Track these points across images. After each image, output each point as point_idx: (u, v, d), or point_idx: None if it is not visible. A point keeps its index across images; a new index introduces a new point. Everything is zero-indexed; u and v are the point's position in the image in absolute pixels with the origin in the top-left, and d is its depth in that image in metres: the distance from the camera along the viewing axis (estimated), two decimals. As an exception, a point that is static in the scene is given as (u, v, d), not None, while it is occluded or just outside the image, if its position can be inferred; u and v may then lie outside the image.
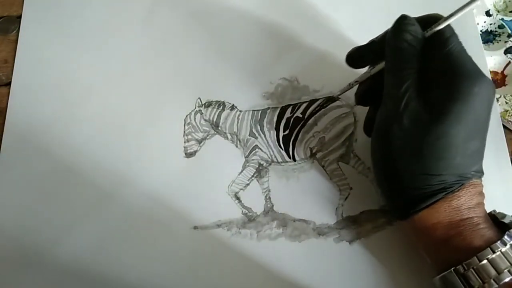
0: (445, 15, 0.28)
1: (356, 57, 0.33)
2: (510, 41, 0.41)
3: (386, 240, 0.34)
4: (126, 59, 0.40)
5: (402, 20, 0.29)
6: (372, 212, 0.35)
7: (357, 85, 0.34)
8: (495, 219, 0.29)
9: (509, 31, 0.41)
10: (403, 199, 0.29)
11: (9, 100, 0.39)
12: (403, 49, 0.28)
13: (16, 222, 0.35)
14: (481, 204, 0.29)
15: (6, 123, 0.38)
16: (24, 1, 0.43)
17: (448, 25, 0.28)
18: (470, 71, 0.27)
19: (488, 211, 0.29)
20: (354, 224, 0.35)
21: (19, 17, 0.42)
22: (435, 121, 0.27)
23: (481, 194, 0.29)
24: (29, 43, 0.41)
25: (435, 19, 0.29)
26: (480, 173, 0.29)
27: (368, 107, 0.35)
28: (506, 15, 0.42)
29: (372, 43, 0.32)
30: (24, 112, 0.39)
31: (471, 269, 0.26)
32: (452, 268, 0.27)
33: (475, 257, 0.26)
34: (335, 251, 0.34)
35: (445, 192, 0.28)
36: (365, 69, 0.33)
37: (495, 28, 0.42)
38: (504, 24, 0.42)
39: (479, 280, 0.26)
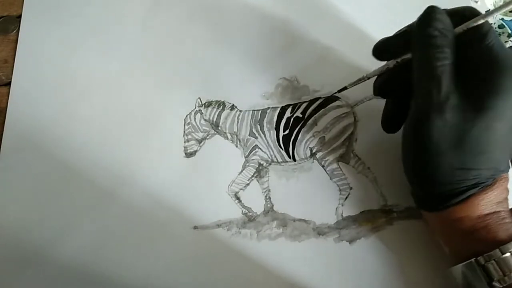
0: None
1: (383, 49, 0.32)
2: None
3: (386, 240, 0.34)
4: (126, 59, 0.40)
5: (431, 10, 0.28)
6: (372, 212, 0.35)
7: (368, 79, 0.34)
8: None
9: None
10: (436, 192, 0.29)
11: (9, 100, 0.39)
12: (435, 36, 0.27)
13: (16, 222, 0.35)
14: (507, 199, 0.29)
15: (6, 123, 0.38)
16: (24, 1, 0.43)
17: (488, 22, 0.28)
18: None
19: None
20: (354, 224, 0.35)
21: (19, 17, 0.42)
22: (479, 115, 0.26)
23: (507, 189, 0.29)
24: (29, 43, 0.41)
25: (469, 12, 0.28)
26: (509, 166, 0.29)
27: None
28: (506, 15, 0.42)
29: (398, 35, 0.31)
30: (24, 112, 0.39)
31: (493, 261, 0.27)
32: (473, 259, 0.27)
33: (498, 250, 0.27)
34: (335, 251, 0.34)
35: (479, 187, 0.28)
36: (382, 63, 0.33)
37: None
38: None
39: (500, 272, 0.26)
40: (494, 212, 0.28)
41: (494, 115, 0.26)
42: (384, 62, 0.33)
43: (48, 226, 0.35)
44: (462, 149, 0.27)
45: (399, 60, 0.31)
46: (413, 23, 0.29)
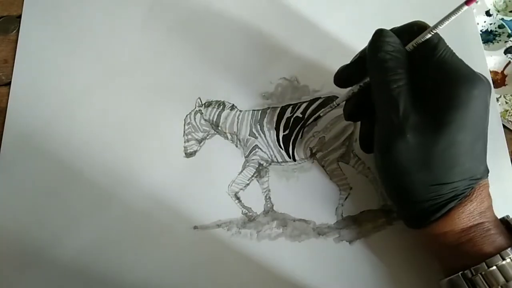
0: (442, 14, 0.28)
1: (343, 78, 0.32)
2: (510, 41, 0.41)
3: (386, 240, 0.34)
4: (126, 59, 0.40)
5: (379, 33, 0.28)
6: (372, 212, 0.35)
7: (337, 106, 0.34)
8: (507, 224, 0.29)
9: (509, 31, 0.41)
10: (416, 211, 0.29)
11: (9, 100, 0.39)
12: (386, 60, 0.27)
13: (16, 222, 0.35)
14: (490, 207, 0.29)
15: (6, 123, 0.38)
16: (24, 1, 0.43)
17: (437, 34, 0.28)
18: (466, 75, 0.27)
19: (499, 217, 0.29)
20: (354, 224, 0.35)
21: (19, 17, 0.42)
22: (441, 131, 0.26)
23: (489, 196, 0.29)
24: (29, 43, 0.41)
25: (417, 27, 0.28)
26: (486, 171, 0.29)
27: (359, 123, 0.34)
28: (506, 15, 0.42)
29: (354, 62, 0.32)
30: (24, 112, 0.39)
31: (479, 275, 0.26)
32: (460, 273, 0.27)
33: (484, 263, 0.26)
34: (335, 251, 0.34)
35: (457, 199, 0.27)
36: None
37: (495, 28, 0.42)
38: (504, 24, 0.42)
39: (487, 286, 0.26)
40: (478, 224, 0.28)
41: (455, 128, 0.26)
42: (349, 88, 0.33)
43: (48, 226, 0.35)
44: (432, 167, 0.27)
45: (361, 84, 0.31)
46: (366, 47, 0.30)
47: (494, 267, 0.26)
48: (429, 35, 0.27)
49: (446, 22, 0.27)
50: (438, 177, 0.27)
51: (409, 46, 0.28)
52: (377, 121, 0.29)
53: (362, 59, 0.31)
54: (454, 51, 0.28)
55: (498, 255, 0.26)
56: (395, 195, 0.30)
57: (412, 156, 0.27)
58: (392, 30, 0.29)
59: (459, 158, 0.27)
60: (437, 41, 0.28)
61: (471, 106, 0.26)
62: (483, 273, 0.26)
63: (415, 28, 0.28)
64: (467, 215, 0.28)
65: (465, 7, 0.26)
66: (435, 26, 0.27)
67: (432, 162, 0.27)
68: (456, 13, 0.26)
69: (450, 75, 0.27)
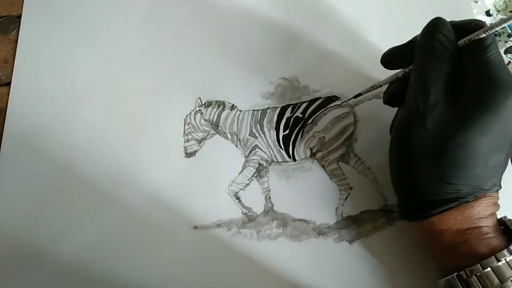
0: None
1: (390, 58, 0.32)
2: (510, 41, 0.41)
3: (386, 240, 0.34)
4: (126, 59, 0.40)
5: (436, 22, 0.28)
6: (372, 212, 0.35)
7: (379, 87, 0.34)
8: (505, 225, 0.29)
9: (509, 31, 0.41)
10: (416, 201, 0.29)
11: (9, 100, 0.39)
12: (434, 48, 0.27)
13: (16, 222, 0.35)
14: (493, 214, 0.29)
15: (6, 123, 0.38)
16: (24, 1, 0.43)
17: (491, 34, 0.27)
18: (507, 83, 0.26)
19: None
20: (354, 224, 0.35)
21: (19, 17, 0.42)
22: (461, 128, 0.26)
23: (496, 205, 0.29)
24: (29, 43, 0.41)
25: (474, 25, 0.28)
26: (498, 186, 0.28)
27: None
28: (506, 15, 0.42)
29: (407, 44, 0.31)
30: (24, 112, 0.39)
31: (474, 276, 0.26)
32: (455, 274, 0.27)
33: (479, 265, 0.26)
34: (335, 251, 0.34)
35: (458, 202, 0.27)
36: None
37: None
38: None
39: (481, 287, 0.26)
40: (475, 227, 0.28)
41: (476, 129, 0.26)
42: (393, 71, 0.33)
43: (48, 226, 0.35)
44: (441, 161, 0.27)
45: (406, 70, 0.31)
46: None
47: (489, 269, 0.26)
48: (484, 35, 0.27)
49: (504, 24, 0.27)
50: (444, 174, 0.27)
51: (461, 42, 0.28)
52: (405, 102, 0.29)
53: (413, 44, 0.30)
54: None
55: (493, 256, 0.26)
56: (401, 181, 0.30)
57: (427, 145, 0.27)
58: (453, 22, 0.29)
59: (470, 161, 0.27)
60: (491, 42, 0.27)
61: (499, 114, 0.26)
62: (478, 274, 0.26)
63: (472, 26, 0.28)
64: (465, 218, 0.28)
65: None
66: (492, 27, 0.27)
67: (442, 157, 0.27)
68: None
69: (491, 77, 0.26)
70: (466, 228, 0.28)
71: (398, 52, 0.32)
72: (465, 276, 0.27)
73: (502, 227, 0.29)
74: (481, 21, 0.28)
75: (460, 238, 0.28)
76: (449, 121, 0.27)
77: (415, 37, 0.30)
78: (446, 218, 0.28)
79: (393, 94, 0.33)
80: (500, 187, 0.29)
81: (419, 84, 0.28)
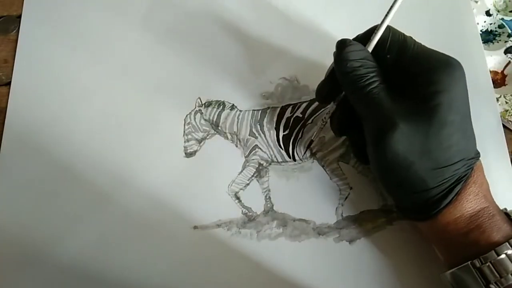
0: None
1: (324, 94, 0.33)
2: (510, 41, 0.41)
3: (386, 240, 0.34)
4: (126, 58, 0.40)
5: (341, 44, 0.29)
6: (372, 212, 0.35)
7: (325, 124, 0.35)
8: (508, 215, 0.29)
9: (509, 31, 0.41)
10: (424, 200, 0.29)
11: (9, 100, 0.39)
12: (356, 68, 0.29)
13: (16, 222, 0.35)
14: (489, 190, 0.30)
15: (6, 123, 0.38)
16: (24, 1, 0.43)
17: (394, 31, 0.29)
18: (444, 61, 0.28)
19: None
20: (354, 224, 0.35)
21: (19, 16, 0.42)
22: (431, 115, 0.27)
23: (485, 178, 0.30)
24: (29, 43, 0.41)
25: (376, 29, 0.30)
26: (478, 152, 0.30)
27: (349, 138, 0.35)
28: (506, 15, 0.42)
29: (327, 77, 0.32)
30: (24, 112, 0.39)
31: (489, 263, 0.27)
32: (469, 261, 0.27)
33: (493, 251, 0.27)
34: (335, 251, 0.34)
35: (462, 181, 0.28)
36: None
37: (495, 28, 0.42)
38: (504, 24, 0.42)
39: (496, 274, 0.26)
40: (484, 208, 0.28)
41: (444, 110, 0.27)
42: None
43: (48, 226, 0.35)
44: (430, 150, 0.27)
45: (338, 98, 0.32)
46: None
47: (504, 255, 0.26)
48: (381, 32, 0.29)
49: (388, 19, 0.29)
50: (439, 160, 0.28)
51: (368, 47, 0.29)
52: (365, 126, 0.30)
53: (332, 73, 0.31)
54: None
55: (507, 243, 0.27)
56: (399, 191, 0.30)
57: (410, 144, 0.27)
58: (356, 37, 0.31)
59: (454, 137, 0.28)
60: (403, 38, 0.29)
61: (455, 88, 0.28)
62: (492, 261, 0.26)
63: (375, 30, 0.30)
64: (474, 197, 0.28)
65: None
66: (381, 23, 0.29)
67: (429, 146, 0.27)
68: (395, 6, 0.29)
69: (429, 63, 0.28)
70: (478, 210, 0.28)
71: (324, 88, 0.33)
72: (478, 264, 0.27)
73: (506, 217, 0.29)
74: (377, 24, 0.30)
75: (473, 222, 0.28)
76: (416, 114, 0.27)
77: (331, 67, 0.32)
78: (458, 204, 0.28)
79: (340, 124, 0.33)
80: (479, 152, 0.30)
81: (366, 104, 0.29)
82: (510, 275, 0.26)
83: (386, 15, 0.29)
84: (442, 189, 0.28)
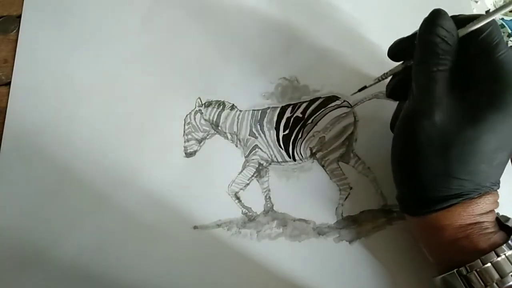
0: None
1: (396, 51, 0.32)
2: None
3: (386, 240, 0.34)
4: (126, 58, 0.40)
5: (436, 14, 0.27)
6: (372, 212, 0.35)
7: (385, 78, 0.33)
8: (499, 222, 0.29)
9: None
10: (418, 196, 0.29)
11: (9, 100, 0.39)
12: (436, 43, 0.27)
13: (16, 222, 0.35)
14: (493, 212, 0.29)
15: (6, 123, 0.38)
16: (24, 1, 0.43)
17: (498, 31, 0.27)
18: None
19: None
20: (354, 224, 0.35)
21: (19, 16, 0.42)
22: (469, 123, 0.26)
23: (496, 203, 0.29)
24: (29, 43, 0.41)
25: (474, 18, 0.28)
26: (497, 185, 0.29)
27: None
28: (506, 15, 0.42)
29: (412, 36, 0.31)
30: (24, 112, 0.39)
31: (474, 272, 0.26)
32: (455, 270, 0.27)
33: (479, 260, 0.26)
34: (335, 251, 0.34)
35: (462, 198, 0.27)
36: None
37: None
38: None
39: (482, 282, 0.26)
40: (477, 223, 0.28)
41: (486, 127, 0.26)
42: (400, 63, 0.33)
43: (48, 226, 0.35)
44: (447, 155, 0.27)
45: (409, 63, 0.31)
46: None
47: (489, 264, 0.26)
48: (481, 24, 0.27)
49: (505, 10, 0.26)
50: (450, 168, 0.27)
51: (462, 31, 0.28)
52: (409, 97, 0.29)
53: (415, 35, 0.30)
54: None
55: (493, 252, 0.26)
56: (403, 174, 0.30)
57: (434, 140, 0.27)
58: (458, 17, 0.29)
59: (476, 157, 0.27)
60: (499, 40, 0.27)
61: (509, 113, 0.26)
62: (478, 270, 0.26)
63: (472, 18, 0.28)
64: (468, 214, 0.28)
65: None
66: (491, 14, 0.26)
67: (449, 151, 0.27)
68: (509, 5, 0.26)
69: (502, 76, 0.27)
70: (468, 224, 0.28)
71: (403, 45, 0.32)
72: (465, 272, 0.27)
73: (499, 223, 0.29)
74: (482, 14, 0.28)
75: (462, 233, 0.28)
76: (457, 115, 0.26)
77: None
78: (449, 213, 0.28)
79: (396, 87, 0.32)
80: (499, 185, 0.29)
81: (423, 80, 0.28)
82: (495, 284, 0.26)
83: (495, 12, 0.26)
84: (439, 194, 0.28)
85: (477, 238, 0.27)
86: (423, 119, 0.27)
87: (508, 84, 0.26)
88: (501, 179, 0.29)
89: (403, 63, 0.32)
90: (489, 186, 0.28)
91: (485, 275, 0.26)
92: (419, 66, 0.28)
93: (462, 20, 0.28)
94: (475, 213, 0.28)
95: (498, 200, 0.29)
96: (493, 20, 0.27)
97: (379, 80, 0.34)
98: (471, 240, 0.27)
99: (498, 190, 0.29)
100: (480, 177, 0.27)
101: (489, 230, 0.28)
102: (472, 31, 0.27)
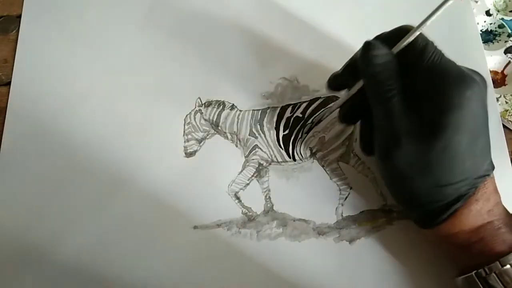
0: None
1: (335, 84, 0.34)
2: (510, 40, 0.41)
3: (386, 240, 0.34)
4: (126, 58, 0.40)
5: (367, 47, 0.28)
6: (372, 212, 0.35)
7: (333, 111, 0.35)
8: (510, 219, 0.29)
9: (509, 31, 0.41)
10: (423, 211, 0.29)
11: (9, 100, 0.39)
12: (377, 73, 0.28)
13: (16, 222, 0.35)
14: (498, 204, 0.29)
15: (6, 123, 0.38)
16: (24, 1, 0.43)
17: (420, 35, 0.27)
18: (457, 77, 0.27)
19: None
20: (354, 224, 0.35)
21: (19, 16, 0.42)
22: (435, 135, 0.26)
23: (496, 192, 0.29)
24: (29, 43, 0.41)
25: (407, 31, 0.28)
26: (491, 167, 0.29)
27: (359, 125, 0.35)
28: (506, 15, 0.42)
29: (345, 68, 0.32)
30: (24, 112, 0.39)
31: (493, 273, 0.26)
32: (474, 272, 0.27)
33: (498, 262, 0.26)
34: (335, 251, 0.34)
35: (462, 200, 0.27)
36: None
37: (495, 28, 0.42)
38: (504, 23, 0.42)
39: (501, 284, 0.26)
40: (487, 223, 0.28)
41: (451, 131, 0.26)
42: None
43: (48, 226, 0.35)
44: (431, 170, 0.27)
45: (351, 90, 0.32)
46: (356, 53, 0.30)
47: (508, 266, 0.26)
48: (412, 37, 0.27)
49: (428, 22, 0.27)
50: (439, 179, 0.27)
51: (394, 50, 0.28)
52: (375, 128, 0.30)
53: (351, 66, 0.31)
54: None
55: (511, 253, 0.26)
56: (401, 199, 0.31)
57: (411, 161, 0.27)
58: (381, 35, 0.30)
59: (458, 158, 0.27)
60: (425, 44, 0.27)
61: (465, 108, 0.26)
62: (497, 271, 0.26)
63: (404, 32, 0.28)
64: (474, 215, 0.28)
65: (450, 2, 0.26)
66: (418, 27, 0.27)
67: (431, 165, 0.27)
68: (439, 10, 0.27)
69: (441, 78, 0.27)
70: (479, 226, 0.28)
71: (340, 78, 0.33)
72: (484, 274, 0.27)
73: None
74: (410, 25, 0.29)
75: (475, 237, 0.28)
76: (421, 133, 0.27)
77: (351, 59, 0.32)
78: (457, 219, 0.28)
79: (347, 112, 0.33)
80: (494, 166, 0.29)
81: (379, 109, 0.28)
82: None
83: (424, 21, 0.27)
84: (440, 205, 0.28)
85: (491, 241, 0.27)
86: (394, 149, 0.27)
87: (449, 82, 0.26)
88: (496, 178, 0.29)
89: (347, 93, 0.33)
90: (484, 175, 0.28)
91: (504, 276, 0.26)
92: (372, 98, 0.29)
93: (391, 37, 0.29)
94: (480, 212, 0.28)
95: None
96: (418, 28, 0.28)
97: (330, 112, 0.35)
98: (486, 243, 0.27)
99: (494, 176, 0.29)
100: (470, 172, 0.27)
101: (503, 230, 0.28)
102: (405, 46, 0.28)
